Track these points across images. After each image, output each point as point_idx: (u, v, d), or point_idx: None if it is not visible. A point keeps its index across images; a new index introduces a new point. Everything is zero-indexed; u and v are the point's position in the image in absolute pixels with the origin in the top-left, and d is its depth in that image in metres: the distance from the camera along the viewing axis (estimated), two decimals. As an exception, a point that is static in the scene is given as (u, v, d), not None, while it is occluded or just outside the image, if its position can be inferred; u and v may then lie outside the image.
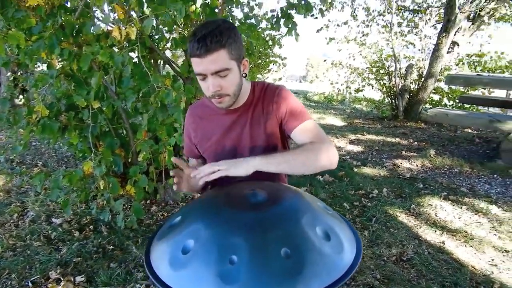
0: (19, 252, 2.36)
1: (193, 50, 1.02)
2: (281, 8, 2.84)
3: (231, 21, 2.43)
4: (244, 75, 1.14)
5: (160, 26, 2.50)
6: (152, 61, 2.70)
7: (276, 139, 1.28)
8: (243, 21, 2.77)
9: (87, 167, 2.47)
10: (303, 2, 2.90)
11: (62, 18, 2.27)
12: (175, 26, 2.51)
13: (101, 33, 2.27)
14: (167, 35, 2.62)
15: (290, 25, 2.83)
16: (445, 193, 3.16)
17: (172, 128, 2.69)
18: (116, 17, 2.31)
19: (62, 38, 2.25)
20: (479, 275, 2.06)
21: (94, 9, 2.56)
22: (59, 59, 2.51)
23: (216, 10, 2.46)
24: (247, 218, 0.97)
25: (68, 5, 2.45)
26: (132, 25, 2.05)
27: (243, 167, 1.08)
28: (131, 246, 2.38)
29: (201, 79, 1.08)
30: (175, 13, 1.99)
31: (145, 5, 2.53)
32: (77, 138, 2.62)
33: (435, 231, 2.53)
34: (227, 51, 1.04)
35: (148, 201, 2.99)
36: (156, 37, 2.47)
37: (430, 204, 2.95)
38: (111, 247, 2.38)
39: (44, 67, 2.60)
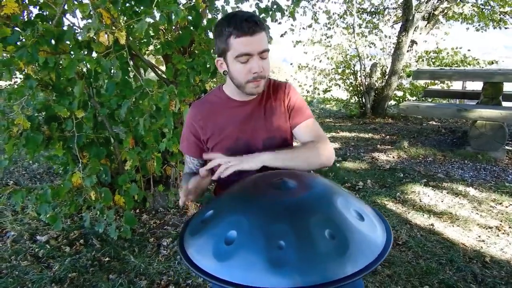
0: (5, 274, 2.22)
1: (241, 29, 1.05)
2: (254, 11, 2.88)
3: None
4: None
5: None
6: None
7: (286, 132, 1.33)
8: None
9: (75, 179, 2.39)
10: (275, 6, 2.98)
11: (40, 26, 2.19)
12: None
13: (85, 40, 2.22)
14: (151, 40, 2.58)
15: (263, 28, 2.88)
16: (425, 180, 3.33)
17: (158, 134, 2.66)
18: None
19: (41, 47, 2.17)
20: (470, 251, 2.20)
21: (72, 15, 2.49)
22: (37, 69, 2.43)
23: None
24: (286, 204, 1.00)
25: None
26: (119, 29, 2.01)
27: (253, 162, 1.14)
28: (128, 256, 2.31)
29: (244, 61, 1.10)
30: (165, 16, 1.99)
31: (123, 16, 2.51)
32: (61, 150, 2.52)
33: (423, 215, 2.66)
34: (266, 34, 1.11)
35: (137, 210, 2.91)
36: (139, 42, 2.44)
37: (413, 191, 3.10)
38: (107, 259, 2.31)
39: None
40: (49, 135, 2.46)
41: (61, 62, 2.39)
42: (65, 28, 2.27)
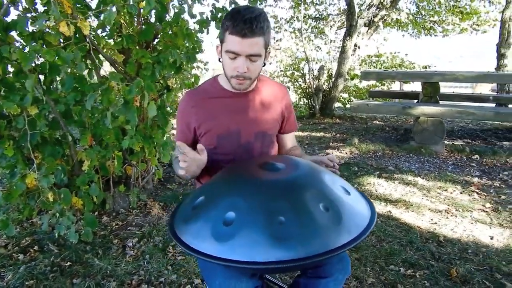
0: None
1: (236, 28, 1.07)
2: (211, 11, 2.87)
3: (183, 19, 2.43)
4: (263, 64, 1.22)
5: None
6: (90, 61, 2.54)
7: (275, 130, 1.41)
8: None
9: (30, 180, 2.22)
10: (232, 5, 3.01)
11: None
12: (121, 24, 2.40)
13: (41, 30, 2.07)
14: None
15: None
16: (378, 173, 3.55)
17: (119, 132, 2.56)
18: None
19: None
20: (426, 233, 2.39)
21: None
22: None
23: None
24: (279, 183, 1.04)
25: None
26: (82, 19, 1.91)
27: None
28: (92, 259, 2.19)
29: (231, 58, 1.13)
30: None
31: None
32: (12, 149, 2.32)
33: (380, 203, 2.84)
34: (264, 39, 1.12)
35: (96, 213, 2.77)
36: (104, 34, 2.33)
37: (368, 183, 3.29)
38: (68, 263, 2.16)
39: None
40: (-3, 134, 2.26)
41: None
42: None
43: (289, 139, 1.50)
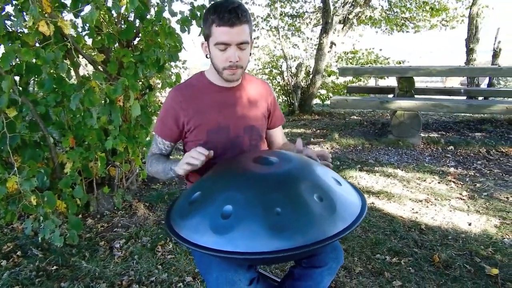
0: None
1: (222, 20, 1.10)
2: (191, 9, 2.85)
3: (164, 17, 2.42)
4: (250, 54, 1.24)
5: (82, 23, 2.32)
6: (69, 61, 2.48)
7: (263, 125, 1.43)
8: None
9: (11, 184, 2.16)
10: (212, 2, 3.00)
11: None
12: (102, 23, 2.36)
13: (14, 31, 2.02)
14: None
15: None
16: (359, 166, 3.64)
17: (102, 132, 2.52)
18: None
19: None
20: (408, 222, 2.48)
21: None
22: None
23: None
24: (274, 176, 1.06)
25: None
26: (61, 18, 1.87)
27: None
28: (79, 261, 2.15)
29: (222, 49, 1.15)
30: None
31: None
32: (-10, 153, 2.25)
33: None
34: (249, 27, 1.16)
35: (80, 215, 2.71)
36: (84, 33, 2.29)
37: (351, 176, 3.37)
38: (54, 267, 2.12)
39: None
40: (-27, 138, 2.18)
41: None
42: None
43: (279, 135, 1.52)
